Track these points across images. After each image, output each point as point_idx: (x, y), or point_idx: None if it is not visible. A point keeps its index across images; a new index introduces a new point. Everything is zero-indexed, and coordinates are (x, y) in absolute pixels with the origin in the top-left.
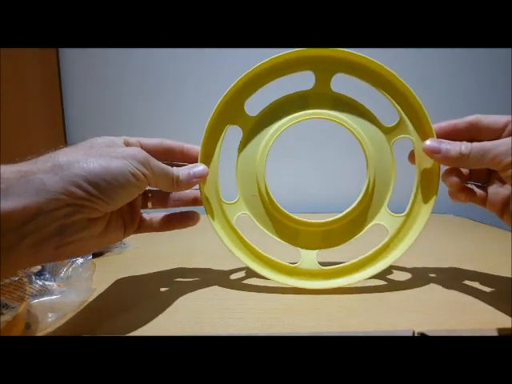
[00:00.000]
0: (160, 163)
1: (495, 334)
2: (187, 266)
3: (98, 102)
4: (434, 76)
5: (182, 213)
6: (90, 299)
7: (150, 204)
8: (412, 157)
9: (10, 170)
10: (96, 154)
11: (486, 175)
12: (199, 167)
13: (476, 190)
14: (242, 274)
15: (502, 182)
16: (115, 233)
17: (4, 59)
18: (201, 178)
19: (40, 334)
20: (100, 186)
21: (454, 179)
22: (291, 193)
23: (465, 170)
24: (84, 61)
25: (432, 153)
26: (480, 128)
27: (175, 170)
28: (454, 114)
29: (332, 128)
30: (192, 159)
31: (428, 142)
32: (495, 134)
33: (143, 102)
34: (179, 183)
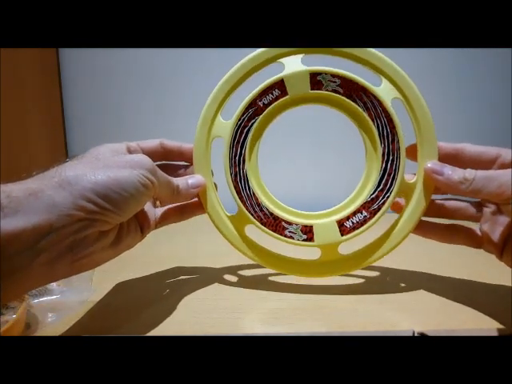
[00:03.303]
0: (163, 172)
1: (495, 334)
2: (187, 266)
3: (98, 102)
4: (433, 75)
5: (194, 202)
6: (90, 299)
7: (158, 203)
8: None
9: (18, 189)
10: (103, 166)
11: (474, 214)
12: (195, 177)
13: (468, 229)
14: (241, 274)
15: (498, 219)
16: (129, 238)
17: (4, 59)
18: (198, 188)
19: (40, 334)
20: (110, 198)
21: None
22: (290, 193)
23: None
24: (84, 61)
25: (434, 174)
26: (465, 157)
27: (175, 180)
28: (452, 115)
29: (331, 127)
30: (190, 159)
31: (430, 164)
32: (483, 165)
33: (143, 101)
34: (179, 193)
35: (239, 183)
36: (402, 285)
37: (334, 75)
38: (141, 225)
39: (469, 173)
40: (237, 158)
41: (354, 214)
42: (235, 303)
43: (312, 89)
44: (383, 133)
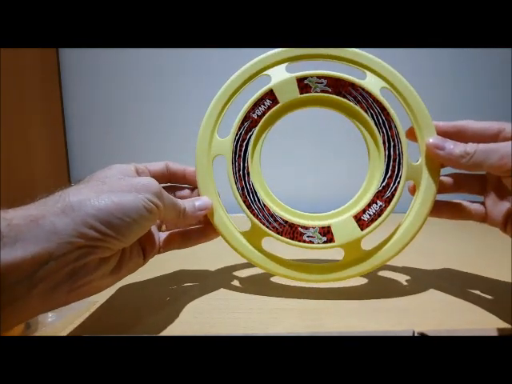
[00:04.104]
0: (169, 195)
1: (495, 334)
2: (188, 267)
3: (98, 102)
4: (432, 76)
5: (200, 228)
6: (91, 299)
7: (164, 227)
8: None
9: (19, 215)
10: (108, 190)
11: (479, 188)
12: (202, 199)
13: (471, 205)
14: (242, 274)
15: (501, 192)
16: (131, 263)
17: (4, 59)
18: (205, 211)
19: (40, 334)
20: (112, 224)
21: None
22: (289, 193)
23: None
24: (84, 61)
25: (435, 148)
26: (468, 134)
27: (181, 202)
28: (451, 116)
29: (331, 127)
30: (194, 182)
31: (431, 139)
32: (486, 141)
33: (143, 102)
34: (185, 215)
35: (248, 197)
36: (403, 284)
37: (319, 77)
38: (144, 250)
39: (470, 147)
40: (241, 172)
41: (369, 205)
42: (235, 303)
43: (301, 93)
44: (379, 121)
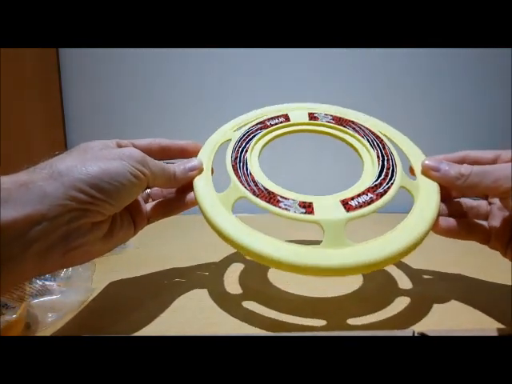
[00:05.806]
0: (156, 161)
1: (495, 334)
2: (187, 266)
3: (98, 101)
4: (432, 76)
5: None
6: (90, 299)
7: (150, 199)
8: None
9: (8, 180)
10: (93, 158)
11: (483, 213)
12: (193, 160)
13: (479, 225)
14: (240, 273)
15: (500, 215)
16: (122, 232)
17: (4, 59)
18: (196, 171)
19: (40, 333)
20: (102, 188)
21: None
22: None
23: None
24: (84, 61)
25: (430, 170)
26: (468, 162)
27: (171, 166)
28: (452, 117)
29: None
30: (191, 154)
31: (427, 161)
32: None
33: (144, 102)
34: (176, 178)
35: (238, 164)
36: (402, 284)
37: (326, 113)
38: (134, 220)
39: (465, 168)
40: (240, 148)
41: (359, 195)
42: (234, 302)
43: (310, 120)
44: (374, 143)
